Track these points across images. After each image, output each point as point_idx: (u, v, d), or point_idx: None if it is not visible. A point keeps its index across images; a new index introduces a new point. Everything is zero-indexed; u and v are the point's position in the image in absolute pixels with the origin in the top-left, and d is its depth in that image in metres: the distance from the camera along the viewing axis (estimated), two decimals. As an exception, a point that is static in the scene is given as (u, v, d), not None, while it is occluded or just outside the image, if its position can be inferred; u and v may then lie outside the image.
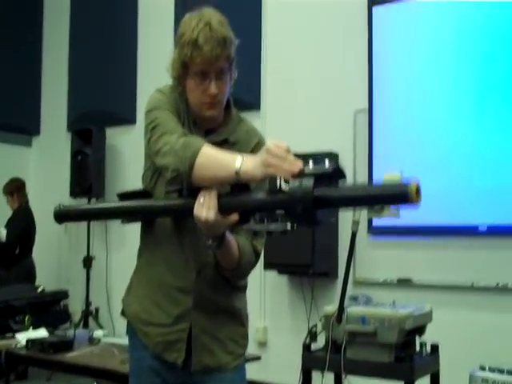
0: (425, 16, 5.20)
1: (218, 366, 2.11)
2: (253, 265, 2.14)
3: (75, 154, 6.93)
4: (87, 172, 6.82)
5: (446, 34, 5.09)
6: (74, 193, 6.88)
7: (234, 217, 1.84)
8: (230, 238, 1.99)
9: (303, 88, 5.82)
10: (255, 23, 6.10)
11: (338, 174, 1.69)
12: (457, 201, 4.90)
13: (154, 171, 2.10)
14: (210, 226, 1.84)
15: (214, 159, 1.85)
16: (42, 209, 6.69)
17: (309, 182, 1.65)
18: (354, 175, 5.46)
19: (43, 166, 7.83)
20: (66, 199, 6.92)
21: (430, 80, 5.14)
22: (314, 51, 5.77)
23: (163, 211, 2.04)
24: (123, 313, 2.23)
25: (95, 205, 2.23)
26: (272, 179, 1.73)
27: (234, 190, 1.84)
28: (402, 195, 1.57)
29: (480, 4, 4.94)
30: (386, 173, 3.67)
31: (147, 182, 2.13)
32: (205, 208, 1.83)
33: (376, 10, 5.39)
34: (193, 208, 1.86)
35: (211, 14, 2.04)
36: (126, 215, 2.12)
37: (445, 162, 5.00)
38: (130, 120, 6.93)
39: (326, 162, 1.68)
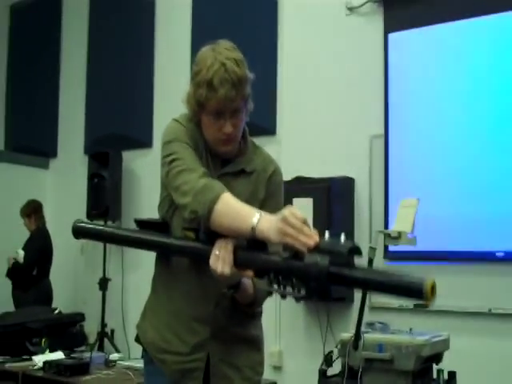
0: (440, 41, 5.21)
1: None
2: (267, 296, 2.13)
3: (92, 176, 6.96)
4: (104, 195, 6.85)
5: (461, 58, 5.11)
6: (90, 215, 6.90)
7: (249, 273, 1.84)
8: (246, 281, 1.99)
9: (319, 113, 5.84)
10: (271, 49, 6.13)
11: (354, 251, 1.68)
12: (474, 226, 4.89)
13: (170, 203, 2.10)
14: (225, 279, 1.86)
15: (233, 209, 1.85)
16: (58, 231, 6.73)
17: (324, 262, 1.63)
18: (370, 201, 5.46)
19: (60, 189, 7.87)
20: (82, 221, 6.95)
21: (445, 105, 5.14)
22: (330, 76, 5.80)
23: (180, 252, 2.03)
24: (138, 339, 2.24)
25: (114, 228, 2.22)
26: (288, 247, 1.72)
27: (251, 244, 1.83)
28: (417, 291, 1.55)
29: (494, 25, 4.96)
30: (404, 199, 3.70)
31: (163, 212, 2.13)
32: (220, 262, 1.83)
33: (392, 36, 5.42)
34: (209, 255, 1.86)
35: (227, 52, 2.02)
36: (142, 246, 2.12)
37: (462, 187, 4.99)
38: (147, 143, 6.97)
39: (342, 236, 1.68)
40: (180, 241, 2.01)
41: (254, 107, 2.16)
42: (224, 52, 2.02)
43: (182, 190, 1.94)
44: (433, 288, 1.54)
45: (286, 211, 1.73)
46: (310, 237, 1.68)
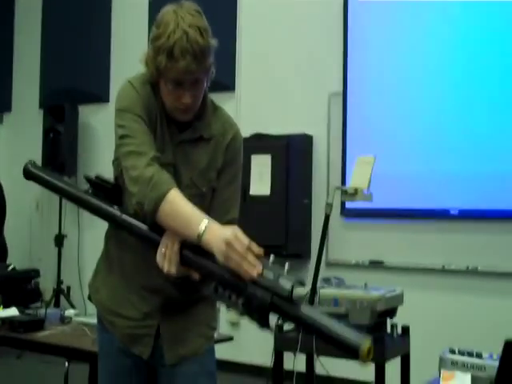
0: (402, 1, 5.21)
1: (192, 352, 2.10)
2: None
3: (47, 131, 6.85)
4: (59, 150, 6.75)
5: (420, 17, 5.11)
6: (45, 170, 6.80)
7: (196, 275, 1.80)
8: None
9: (278, 70, 5.81)
10: (230, 6, 6.06)
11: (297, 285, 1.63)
12: (429, 184, 4.95)
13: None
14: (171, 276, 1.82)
15: (179, 212, 1.79)
16: (12, 186, 6.61)
17: (266, 298, 1.60)
18: (328, 158, 5.48)
19: (14, 144, 7.73)
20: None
21: (404, 63, 5.16)
22: (289, 34, 5.76)
23: (127, 230, 1.95)
24: (90, 298, 2.20)
25: (65, 184, 2.14)
26: (231, 270, 1.66)
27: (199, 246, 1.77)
28: (353, 351, 1.52)
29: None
30: (360, 156, 3.70)
31: (117, 172, 2.04)
32: (167, 261, 1.80)
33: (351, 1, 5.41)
34: (157, 244, 1.82)
35: (190, 18, 1.89)
36: (90, 210, 2.02)
37: (418, 145, 5.04)
38: (104, 98, 6.87)
39: (286, 265, 1.63)
40: (129, 218, 1.92)
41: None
42: (187, 18, 1.88)
43: (130, 176, 1.87)
44: (369, 351, 1.51)
45: (230, 234, 1.66)
46: (253, 266, 1.62)
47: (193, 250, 1.78)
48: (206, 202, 2.05)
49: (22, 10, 7.80)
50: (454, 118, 4.92)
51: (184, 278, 1.84)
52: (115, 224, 2.00)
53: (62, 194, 2.12)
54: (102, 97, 6.90)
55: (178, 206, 1.80)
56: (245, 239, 1.66)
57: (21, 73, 7.76)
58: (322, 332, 1.59)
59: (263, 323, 1.64)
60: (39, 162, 6.64)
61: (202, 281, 1.80)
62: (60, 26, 7.26)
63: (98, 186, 2.02)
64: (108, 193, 2.01)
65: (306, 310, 1.62)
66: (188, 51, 1.86)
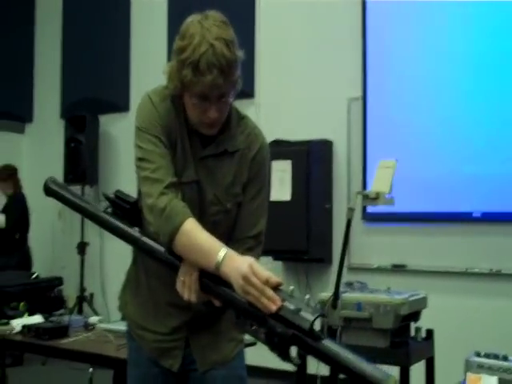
0: (420, 6, 5.19)
1: (223, 358, 2.07)
2: None
3: (68, 141, 6.91)
4: (80, 159, 6.81)
5: (440, 19, 5.09)
6: (67, 180, 6.86)
7: (216, 302, 1.77)
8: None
9: (297, 76, 5.81)
10: (249, 12, 6.08)
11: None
12: (451, 187, 4.93)
13: None
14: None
15: (194, 243, 1.77)
16: (35, 196, 6.65)
17: (287, 331, 1.58)
18: (348, 163, 5.48)
19: (36, 153, 7.81)
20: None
21: (423, 66, 5.14)
22: (309, 39, 5.77)
23: (147, 253, 1.92)
24: (121, 309, 2.19)
25: (84, 202, 2.09)
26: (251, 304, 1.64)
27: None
28: None
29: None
30: (382, 160, 3.69)
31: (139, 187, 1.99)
32: (186, 289, 1.79)
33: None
34: (177, 270, 1.81)
35: (217, 30, 1.81)
36: (109, 230, 1.99)
37: (439, 148, 5.01)
38: (124, 107, 6.92)
39: (306, 297, 1.64)
40: (149, 241, 1.89)
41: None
42: (213, 30, 1.80)
43: (145, 203, 1.85)
44: None
45: (246, 268, 1.64)
46: (272, 301, 1.60)
47: (212, 278, 1.75)
48: (232, 218, 2.00)
49: (43, 20, 7.89)
50: (475, 121, 4.89)
51: (208, 303, 1.82)
52: (135, 246, 1.99)
53: (82, 212, 2.10)
54: (122, 106, 6.95)
55: (194, 237, 1.77)
56: (262, 273, 1.63)
57: (42, 83, 7.85)
58: (346, 367, 1.55)
59: (284, 357, 1.62)
60: (61, 172, 6.77)
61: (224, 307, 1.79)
62: (80, 36, 7.33)
63: (117, 204, 1.99)
64: (127, 212, 1.98)
65: (328, 343, 1.58)
66: (215, 65, 1.78)
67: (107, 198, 2.01)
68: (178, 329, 2.04)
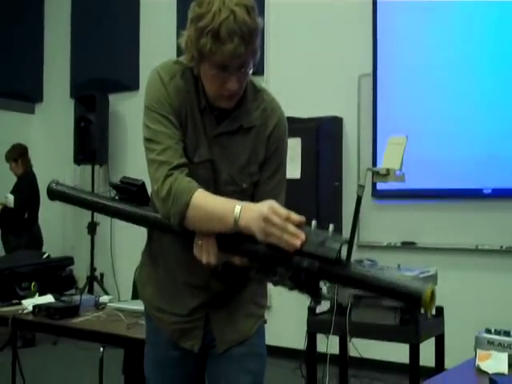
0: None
1: (242, 336, 2.02)
2: None
3: (78, 120, 6.91)
4: (90, 139, 6.81)
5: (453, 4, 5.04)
6: (77, 159, 6.88)
7: (237, 260, 1.74)
8: None
9: (307, 53, 5.77)
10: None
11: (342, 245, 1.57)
12: (461, 164, 4.90)
13: None
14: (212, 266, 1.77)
15: (207, 212, 1.72)
16: (45, 175, 6.65)
17: (313, 264, 1.54)
18: (358, 140, 5.45)
19: (46, 133, 7.82)
20: (69, 166, 6.91)
21: (434, 44, 5.09)
22: (318, 16, 5.72)
23: (161, 229, 1.89)
24: (138, 290, 2.15)
25: (89, 195, 2.07)
26: (274, 246, 1.60)
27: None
28: (415, 299, 1.45)
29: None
30: (392, 136, 3.67)
31: None
32: (204, 253, 1.74)
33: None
34: (192, 239, 1.77)
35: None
36: (121, 217, 1.98)
37: (449, 126, 4.98)
38: (133, 86, 6.91)
39: (330, 227, 1.59)
40: (160, 217, 1.85)
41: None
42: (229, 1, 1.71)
43: (152, 188, 1.82)
44: (432, 296, 1.44)
45: (266, 209, 1.60)
46: (296, 236, 1.56)
47: (229, 235, 1.72)
48: (248, 197, 1.91)
49: (52, 2, 7.85)
50: (485, 98, 4.85)
51: (227, 267, 1.80)
52: (148, 225, 1.97)
53: (89, 206, 2.10)
54: (131, 85, 6.94)
55: (205, 207, 1.73)
56: (282, 210, 1.60)
57: (51, 64, 7.84)
58: (379, 286, 1.53)
59: (314, 293, 1.59)
60: (71, 151, 6.78)
61: (245, 268, 1.75)
62: (89, 16, 7.32)
63: (123, 189, 1.96)
64: (134, 194, 1.94)
65: (357, 269, 1.57)
66: (236, 33, 1.70)
67: (113, 186, 1.98)
68: (196, 309, 2.00)
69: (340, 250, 1.54)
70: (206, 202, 1.73)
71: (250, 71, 1.84)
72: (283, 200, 1.97)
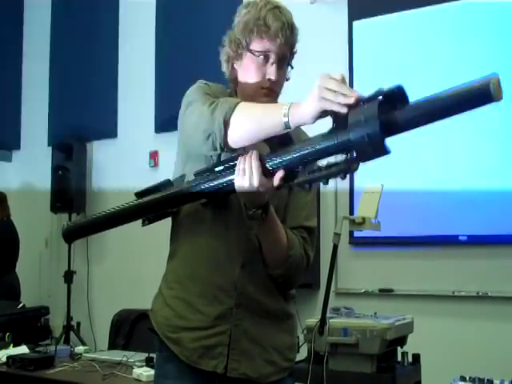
0: (403, 28, 5.25)
1: (256, 376, 1.88)
2: (302, 269, 1.95)
3: (56, 168, 6.90)
4: (68, 187, 6.78)
5: (424, 43, 5.14)
6: (54, 208, 6.84)
7: (280, 174, 1.63)
8: (276, 219, 1.83)
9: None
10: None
11: (402, 95, 1.51)
12: (437, 211, 4.93)
13: (183, 162, 1.94)
14: (254, 192, 1.67)
15: (254, 109, 1.69)
16: (22, 223, 6.65)
17: (373, 106, 1.46)
18: (336, 188, 5.48)
19: (24, 181, 7.77)
20: (46, 214, 6.87)
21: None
22: (295, 65, 5.78)
23: (197, 195, 1.80)
24: (151, 326, 1.98)
25: (107, 212, 2.02)
26: (327, 113, 1.53)
27: (275, 147, 1.67)
28: (484, 91, 1.35)
29: (454, 12, 5.00)
30: (367, 186, 3.72)
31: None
32: (247, 172, 1.65)
33: (356, 24, 5.44)
34: (231, 185, 1.70)
35: (278, 3, 1.91)
36: (150, 211, 1.91)
37: (424, 172, 5.03)
38: (112, 133, 6.92)
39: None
40: (193, 183, 1.80)
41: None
42: (274, 1, 1.91)
43: (191, 121, 1.79)
44: (499, 83, 1.35)
45: (321, 77, 1.51)
46: (351, 94, 1.47)
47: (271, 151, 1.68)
48: (282, 203, 1.92)
49: (30, 48, 7.90)
50: (460, 142, 4.91)
51: (264, 210, 1.74)
52: (182, 200, 1.88)
53: (114, 221, 2.02)
54: (109, 133, 6.94)
55: (252, 105, 1.72)
56: (337, 75, 1.51)
57: (29, 111, 7.85)
58: (441, 98, 1.49)
59: (381, 150, 1.53)
60: (48, 199, 6.74)
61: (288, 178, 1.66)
62: (67, 64, 7.35)
63: (147, 192, 1.92)
64: (151, 190, 1.91)
65: (413, 105, 1.52)
66: (280, 19, 1.85)
67: (138, 193, 1.94)
68: (221, 319, 1.86)
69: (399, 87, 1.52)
70: (252, 104, 1.73)
71: (288, 72, 1.96)
72: (316, 221, 2.03)
